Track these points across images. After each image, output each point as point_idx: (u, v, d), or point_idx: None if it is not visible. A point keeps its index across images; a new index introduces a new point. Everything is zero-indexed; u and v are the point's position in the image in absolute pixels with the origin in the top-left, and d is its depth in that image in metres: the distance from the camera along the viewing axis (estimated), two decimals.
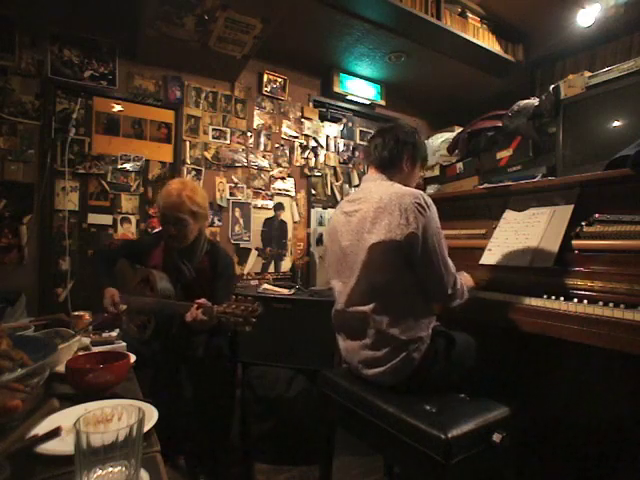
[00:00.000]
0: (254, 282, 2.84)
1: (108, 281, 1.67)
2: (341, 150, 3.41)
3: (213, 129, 2.77)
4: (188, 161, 2.66)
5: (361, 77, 3.33)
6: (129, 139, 2.49)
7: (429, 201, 1.19)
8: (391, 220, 1.15)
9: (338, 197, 3.38)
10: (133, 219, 2.48)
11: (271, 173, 3.02)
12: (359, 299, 1.23)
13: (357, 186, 3.47)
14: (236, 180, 2.86)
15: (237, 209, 2.86)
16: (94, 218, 2.37)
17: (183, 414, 1.72)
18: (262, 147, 2.98)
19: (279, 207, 3.07)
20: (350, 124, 3.47)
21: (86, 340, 1.15)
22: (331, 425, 1.40)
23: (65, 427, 0.67)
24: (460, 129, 2.22)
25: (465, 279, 1.43)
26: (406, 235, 1.13)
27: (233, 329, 1.42)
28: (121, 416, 0.57)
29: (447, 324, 1.30)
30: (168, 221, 1.66)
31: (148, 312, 1.62)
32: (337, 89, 3.19)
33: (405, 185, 1.33)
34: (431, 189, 2.31)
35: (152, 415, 0.72)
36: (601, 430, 1.31)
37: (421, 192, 1.20)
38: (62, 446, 0.63)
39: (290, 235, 3.12)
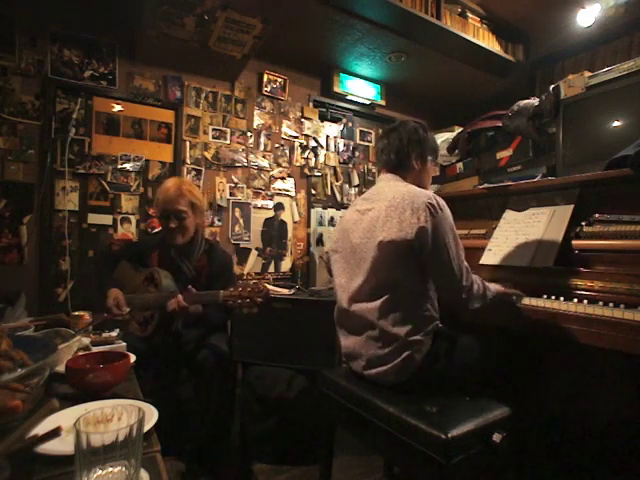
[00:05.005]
0: (254, 282, 2.84)
1: (111, 283, 1.67)
2: (341, 150, 3.41)
3: (213, 129, 2.76)
4: (188, 161, 2.66)
5: (361, 77, 3.33)
6: (129, 139, 2.49)
7: (442, 203, 1.18)
8: (402, 219, 1.15)
9: (338, 197, 3.38)
10: (133, 219, 2.48)
11: (271, 173, 3.02)
12: (365, 297, 1.22)
13: (357, 186, 3.47)
14: (236, 180, 2.86)
15: (237, 209, 2.86)
16: (94, 218, 2.37)
17: (183, 414, 1.72)
18: (262, 147, 2.98)
19: (279, 207, 3.07)
20: (350, 124, 3.47)
21: (86, 340, 1.16)
22: (331, 425, 1.40)
23: (65, 427, 0.67)
24: (460, 129, 2.22)
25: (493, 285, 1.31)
26: (416, 231, 1.12)
27: (239, 312, 1.47)
28: (121, 416, 0.57)
29: (449, 324, 1.30)
30: (168, 215, 1.67)
31: (151, 308, 1.63)
32: (337, 89, 3.19)
33: (420, 184, 1.33)
34: (431, 189, 2.31)
35: (152, 415, 0.72)
36: (601, 430, 1.31)
37: (435, 195, 1.19)
38: (62, 446, 0.63)
39: (290, 235, 3.12)
